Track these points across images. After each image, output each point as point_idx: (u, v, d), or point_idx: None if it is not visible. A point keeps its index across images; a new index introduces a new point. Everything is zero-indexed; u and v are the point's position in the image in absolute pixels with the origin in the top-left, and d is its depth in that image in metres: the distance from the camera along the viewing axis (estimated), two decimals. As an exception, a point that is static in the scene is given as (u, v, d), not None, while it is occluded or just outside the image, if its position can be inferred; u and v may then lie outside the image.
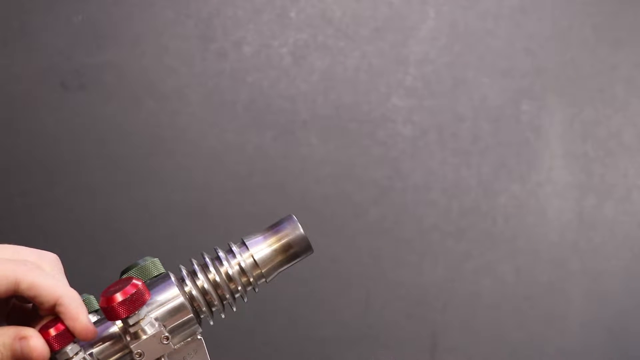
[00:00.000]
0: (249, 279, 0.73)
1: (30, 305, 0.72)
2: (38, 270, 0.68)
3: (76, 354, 0.68)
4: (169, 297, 0.72)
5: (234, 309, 0.75)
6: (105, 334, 0.71)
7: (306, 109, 1.53)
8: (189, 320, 0.72)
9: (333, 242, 1.52)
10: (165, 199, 1.51)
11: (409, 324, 1.55)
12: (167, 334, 0.70)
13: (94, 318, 0.73)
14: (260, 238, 0.74)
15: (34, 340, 0.67)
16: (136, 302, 0.68)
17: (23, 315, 0.72)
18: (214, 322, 0.75)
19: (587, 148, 1.55)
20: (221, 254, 0.74)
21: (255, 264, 0.73)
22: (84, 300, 0.73)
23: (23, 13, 1.49)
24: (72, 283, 0.72)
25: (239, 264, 0.73)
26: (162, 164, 1.51)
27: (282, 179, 1.52)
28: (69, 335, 0.68)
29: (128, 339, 0.70)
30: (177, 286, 0.72)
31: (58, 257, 0.72)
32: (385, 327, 1.55)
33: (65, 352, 0.68)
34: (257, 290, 0.74)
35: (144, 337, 0.69)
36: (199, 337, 0.73)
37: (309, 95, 1.53)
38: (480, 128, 1.55)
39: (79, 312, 0.68)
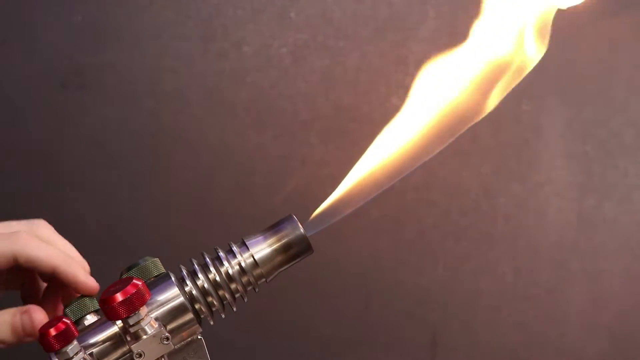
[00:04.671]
0: (249, 279, 0.73)
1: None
2: (34, 242, 0.71)
3: (76, 354, 0.68)
4: (169, 297, 0.72)
5: (234, 309, 0.75)
6: (105, 334, 0.71)
7: (306, 109, 1.53)
8: (189, 320, 0.72)
9: (333, 242, 1.52)
10: (166, 199, 1.51)
11: (409, 324, 1.55)
12: (167, 334, 0.70)
13: (94, 318, 0.73)
14: (260, 238, 0.74)
15: (33, 313, 0.69)
16: (136, 302, 0.68)
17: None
18: (214, 322, 0.75)
19: (587, 148, 1.55)
20: (221, 253, 0.74)
21: (256, 264, 0.73)
22: (83, 301, 0.74)
23: (23, 13, 1.49)
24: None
25: (239, 264, 0.73)
26: (162, 164, 1.51)
27: (282, 179, 1.52)
28: (69, 335, 0.68)
29: (128, 339, 0.70)
30: (177, 286, 0.72)
31: (46, 222, 0.75)
32: (385, 327, 1.55)
33: (66, 352, 0.68)
34: (257, 290, 0.74)
35: (144, 337, 0.69)
36: (199, 337, 0.73)
37: (309, 95, 1.53)
38: (480, 128, 1.55)
39: (76, 273, 0.71)
